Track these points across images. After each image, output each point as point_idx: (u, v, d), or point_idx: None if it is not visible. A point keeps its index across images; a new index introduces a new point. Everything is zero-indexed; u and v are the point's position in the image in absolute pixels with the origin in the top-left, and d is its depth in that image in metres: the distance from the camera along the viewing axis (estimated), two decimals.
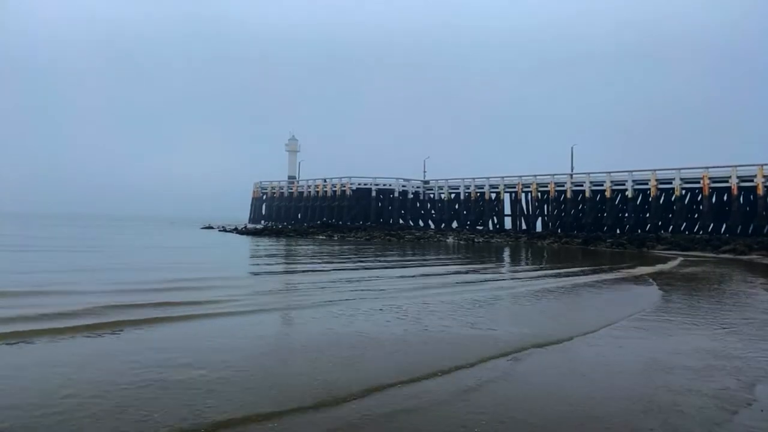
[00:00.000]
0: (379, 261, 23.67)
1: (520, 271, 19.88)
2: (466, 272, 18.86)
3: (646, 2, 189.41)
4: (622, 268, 20.87)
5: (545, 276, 17.68)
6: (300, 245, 35.67)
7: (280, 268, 20.44)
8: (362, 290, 12.75)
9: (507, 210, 60.69)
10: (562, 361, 6.74)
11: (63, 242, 31.07)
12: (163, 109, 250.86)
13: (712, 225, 45.28)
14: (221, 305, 9.95)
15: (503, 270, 21.48)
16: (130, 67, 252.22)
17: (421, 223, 68.50)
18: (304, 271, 18.18)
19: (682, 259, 27.85)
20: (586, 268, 20.87)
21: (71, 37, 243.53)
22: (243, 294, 11.52)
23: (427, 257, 27.34)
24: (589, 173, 53.71)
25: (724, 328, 8.95)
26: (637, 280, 16.95)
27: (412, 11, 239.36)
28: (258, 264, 22.33)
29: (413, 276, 17.22)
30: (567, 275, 17.95)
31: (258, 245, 35.36)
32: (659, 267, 22.31)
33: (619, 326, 8.99)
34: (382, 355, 6.71)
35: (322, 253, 28.44)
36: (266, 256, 26.95)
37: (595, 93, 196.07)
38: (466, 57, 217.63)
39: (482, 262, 24.96)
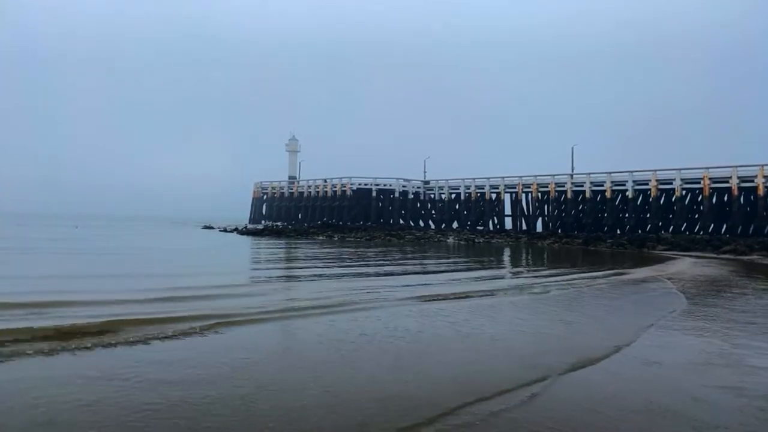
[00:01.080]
0: (393, 264, 23.87)
1: (538, 275, 20.01)
2: (488, 278, 19.07)
3: (646, 2, 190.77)
4: (633, 270, 21.17)
5: (568, 279, 17.74)
6: (302, 246, 35.78)
7: (296, 273, 20.58)
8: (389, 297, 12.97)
9: (507, 210, 61.15)
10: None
11: (66, 244, 30.91)
12: (163, 110, 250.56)
13: (712, 225, 45.83)
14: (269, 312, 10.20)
15: (519, 273, 21.70)
16: (131, 67, 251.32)
17: (421, 223, 68.79)
18: (316, 276, 18.33)
19: (690, 260, 28.17)
20: (604, 271, 21.00)
21: (71, 37, 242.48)
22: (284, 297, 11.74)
23: (434, 259, 27.52)
24: (589, 173, 54.13)
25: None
26: (655, 282, 17.19)
27: (412, 11, 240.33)
28: (276, 268, 22.49)
29: (443, 282, 17.39)
30: (586, 278, 18.14)
31: (261, 246, 35.51)
32: (669, 269, 22.59)
33: (653, 332, 9.24)
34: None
35: (325, 255, 28.58)
36: (275, 259, 27.09)
37: (595, 93, 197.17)
38: (466, 57, 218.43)
39: (494, 266, 25.23)
